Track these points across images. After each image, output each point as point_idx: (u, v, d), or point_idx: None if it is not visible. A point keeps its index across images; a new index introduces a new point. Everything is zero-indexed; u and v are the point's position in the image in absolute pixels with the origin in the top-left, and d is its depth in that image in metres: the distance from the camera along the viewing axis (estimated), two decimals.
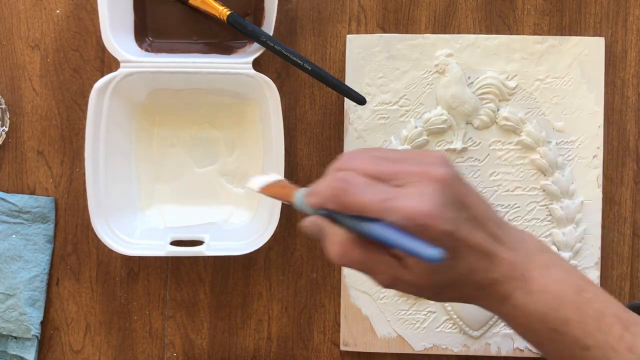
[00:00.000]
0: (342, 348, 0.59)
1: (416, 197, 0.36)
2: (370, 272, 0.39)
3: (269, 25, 0.56)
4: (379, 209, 0.36)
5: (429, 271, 0.38)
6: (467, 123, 0.59)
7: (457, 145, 0.59)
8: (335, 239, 0.39)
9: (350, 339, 0.59)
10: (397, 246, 0.35)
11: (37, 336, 0.59)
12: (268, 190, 0.46)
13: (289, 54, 0.55)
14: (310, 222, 0.41)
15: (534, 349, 0.59)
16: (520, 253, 0.40)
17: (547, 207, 0.59)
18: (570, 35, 0.60)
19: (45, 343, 0.60)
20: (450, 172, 0.38)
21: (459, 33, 0.59)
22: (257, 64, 0.57)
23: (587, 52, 0.59)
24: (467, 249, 0.38)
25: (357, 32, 0.60)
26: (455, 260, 0.38)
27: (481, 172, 0.59)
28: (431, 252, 0.34)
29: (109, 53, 0.55)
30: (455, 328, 0.59)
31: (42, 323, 0.60)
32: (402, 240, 0.35)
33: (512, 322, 0.41)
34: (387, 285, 0.39)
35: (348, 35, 0.59)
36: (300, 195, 0.40)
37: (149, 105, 0.59)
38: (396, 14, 0.60)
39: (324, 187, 0.38)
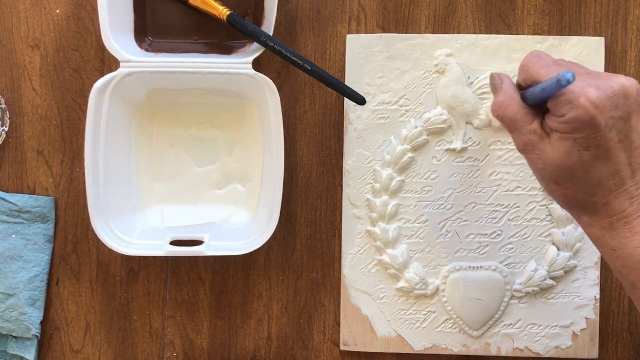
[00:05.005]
0: (342, 348, 0.59)
1: (592, 86, 0.40)
2: (514, 130, 0.44)
3: (269, 25, 0.56)
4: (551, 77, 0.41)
5: (565, 149, 0.41)
6: (467, 123, 0.59)
7: (457, 145, 0.59)
8: (505, 92, 0.45)
9: (350, 339, 0.59)
10: (548, 91, 0.41)
11: (37, 336, 0.59)
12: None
13: (289, 54, 0.55)
14: (496, 75, 0.48)
15: (533, 349, 0.59)
16: None
17: (547, 207, 0.59)
18: (570, 35, 0.59)
19: (45, 343, 0.60)
20: (633, 86, 0.40)
21: (459, 33, 0.59)
22: (257, 64, 0.57)
23: (587, 52, 0.59)
24: (606, 157, 0.40)
25: (357, 32, 0.60)
26: (593, 158, 0.40)
27: (481, 172, 0.59)
28: (566, 75, 0.38)
29: (109, 53, 0.55)
30: (455, 328, 0.59)
31: (42, 323, 0.60)
32: (549, 86, 0.40)
33: (606, 252, 0.43)
34: (522, 147, 0.44)
35: (348, 35, 0.59)
36: None
37: (149, 105, 0.59)
38: (396, 14, 0.60)
39: (523, 62, 0.45)
